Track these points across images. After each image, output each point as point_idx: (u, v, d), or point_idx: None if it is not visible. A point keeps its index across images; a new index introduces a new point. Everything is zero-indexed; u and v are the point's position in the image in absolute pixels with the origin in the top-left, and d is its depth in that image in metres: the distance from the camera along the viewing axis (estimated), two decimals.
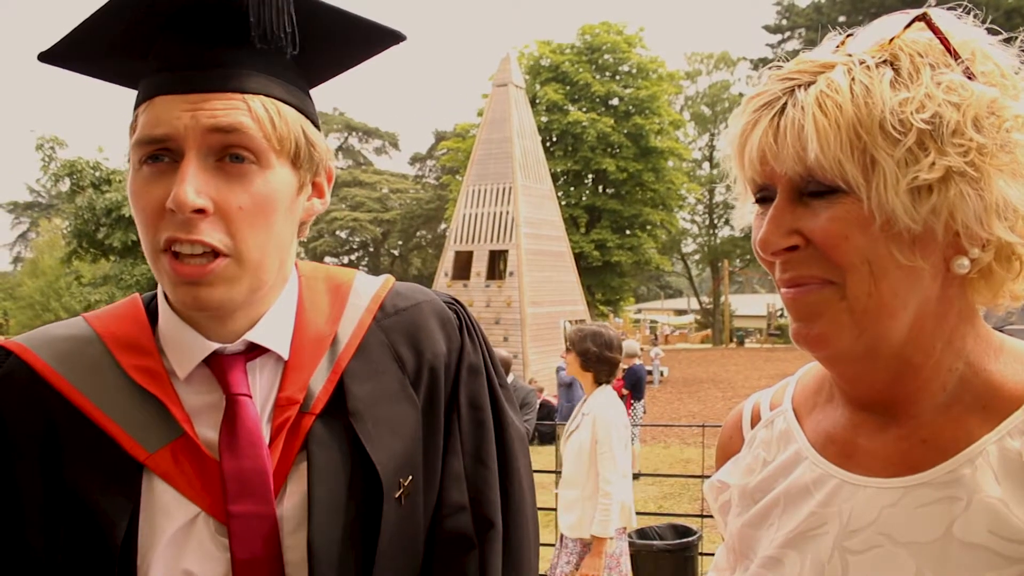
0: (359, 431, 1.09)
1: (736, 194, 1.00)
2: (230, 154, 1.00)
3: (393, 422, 1.12)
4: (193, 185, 0.96)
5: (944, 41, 0.86)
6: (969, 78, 0.84)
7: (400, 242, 66.26)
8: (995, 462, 0.86)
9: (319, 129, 1.12)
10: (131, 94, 1.08)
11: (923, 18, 0.87)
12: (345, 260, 63.97)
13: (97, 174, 21.61)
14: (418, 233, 65.69)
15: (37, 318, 42.49)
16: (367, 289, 1.23)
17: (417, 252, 66.36)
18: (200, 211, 0.97)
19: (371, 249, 66.73)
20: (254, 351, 1.10)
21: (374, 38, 1.13)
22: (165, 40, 1.03)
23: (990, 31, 0.89)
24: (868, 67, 0.84)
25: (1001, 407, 0.89)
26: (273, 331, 1.11)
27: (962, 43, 0.86)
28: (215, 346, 1.08)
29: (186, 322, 1.09)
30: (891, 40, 0.86)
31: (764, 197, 0.92)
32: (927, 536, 0.86)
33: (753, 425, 1.12)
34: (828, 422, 1.01)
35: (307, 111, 1.10)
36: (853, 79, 0.84)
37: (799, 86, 0.86)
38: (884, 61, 0.85)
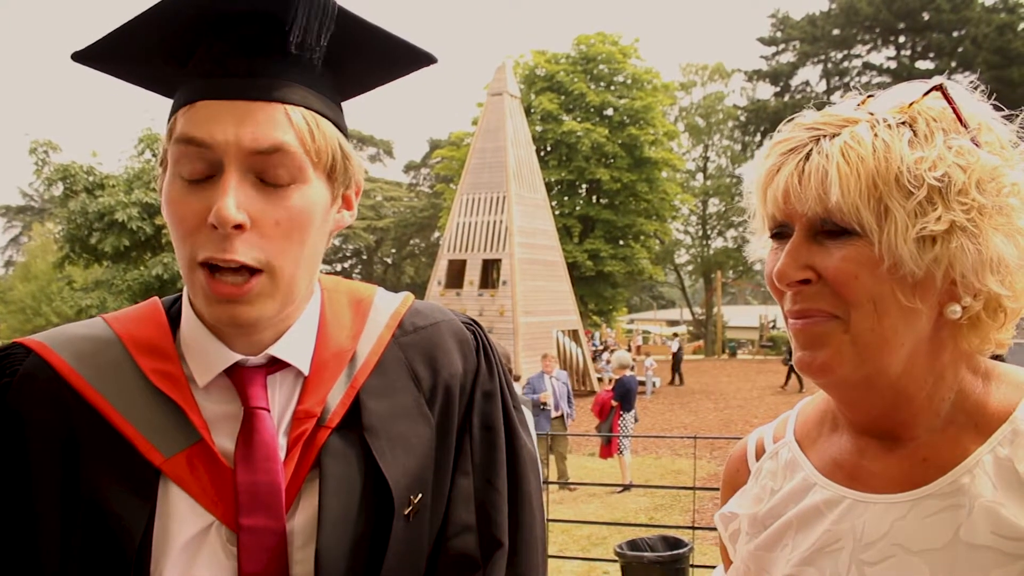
0: (373, 447, 1.09)
1: (753, 228, 1.10)
2: (270, 172, 1.00)
3: (407, 439, 1.12)
4: (234, 200, 0.97)
5: (956, 111, 0.96)
6: (976, 146, 0.95)
7: (393, 250, 66.25)
8: (991, 470, 0.95)
9: (349, 141, 1.13)
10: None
11: (940, 88, 0.98)
12: (338, 268, 63.93)
13: (90, 179, 21.51)
14: (411, 241, 65.71)
15: (28, 322, 42.31)
16: (387, 306, 1.24)
17: (410, 260, 66.35)
18: (239, 226, 0.97)
19: (364, 257, 66.69)
20: (275, 364, 1.10)
21: (407, 59, 1.14)
22: (207, 47, 1.03)
23: (994, 107, 1.00)
24: (890, 126, 0.94)
25: (990, 423, 0.99)
26: (296, 346, 1.11)
27: (971, 114, 0.97)
28: (237, 357, 1.08)
29: (211, 331, 1.08)
30: (911, 104, 0.97)
31: (781, 233, 1.01)
32: (937, 543, 0.95)
33: (758, 457, 1.20)
34: (833, 449, 1.10)
35: (341, 125, 1.10)
36: (876, 135, 0.94)
37: (824, 136, 0.96)
38: (903, 122, 0.95)
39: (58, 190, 21.99)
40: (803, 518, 1.07)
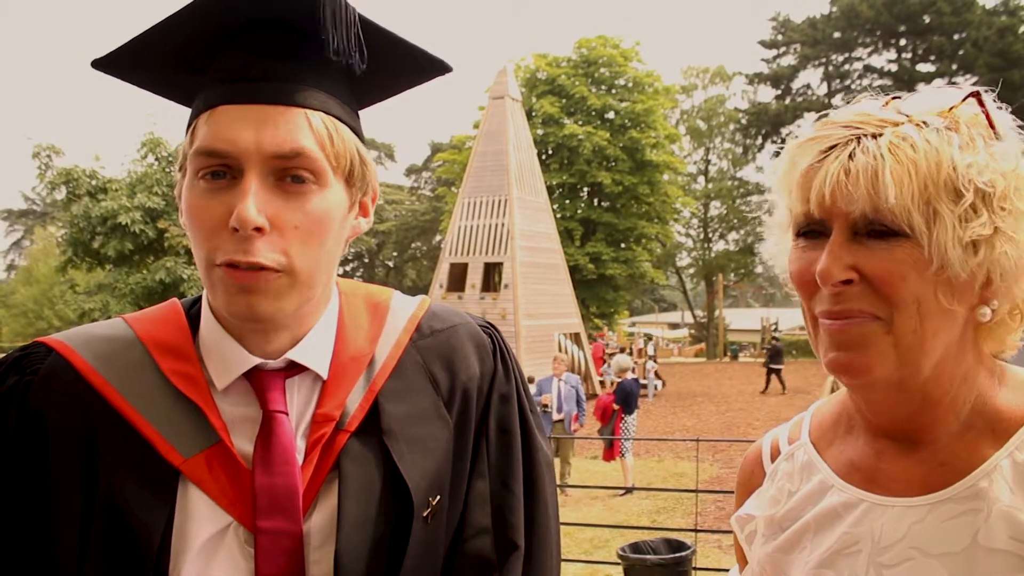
0: (392, 449, 1.10)
1: (772, 224, 1.08)
2: (291, 175, 1.01)
3: (425, 442, 1.13)
4: (255, 203, 0.98)
5: (989, 118, 0.97)
6: None
7: (395, 253, 66.26)
8: (1008, 474, 0.96)
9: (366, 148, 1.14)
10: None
11: (976, 95, 0.98)
12: (340, 271, 63.78)
13: (93, 183, 21.52)
14: (413, 245, 65.71)
15: (30, 326, 42.36)
16: (404, 309, 1.25)
17: (412, 264, 66.35)
18: (259, 229, 0.98)
19: (366, 260, 66.70)
20: (294, 368, 1.11)
21: (423, 67, 1.16)
22: (228, 53, 1.04)
23: (1015, 114, 1.01)
24: (937, 129, 0.94)
25: (1007, 428, 0.99)
26: (314, 350, 1.12)
27: (999, 121, 0.98)
28: (256, 361, 1.09)
29: (230, 334, 1.09)
30: (950, 109, 0.97)
31: (812, 232, 1.00)
32: (955, 547, 0.95)
33: (773, 459, 1.20)
34: (850, 452, 1.10)
35: (359, 132, 1.11)
36: (927, 139, 0.93)
37: (865, 135, 0.95)
38: (948, 127, 0.95)
39: (61, 194, 21.99)
40: (821, 520, 1.07)
